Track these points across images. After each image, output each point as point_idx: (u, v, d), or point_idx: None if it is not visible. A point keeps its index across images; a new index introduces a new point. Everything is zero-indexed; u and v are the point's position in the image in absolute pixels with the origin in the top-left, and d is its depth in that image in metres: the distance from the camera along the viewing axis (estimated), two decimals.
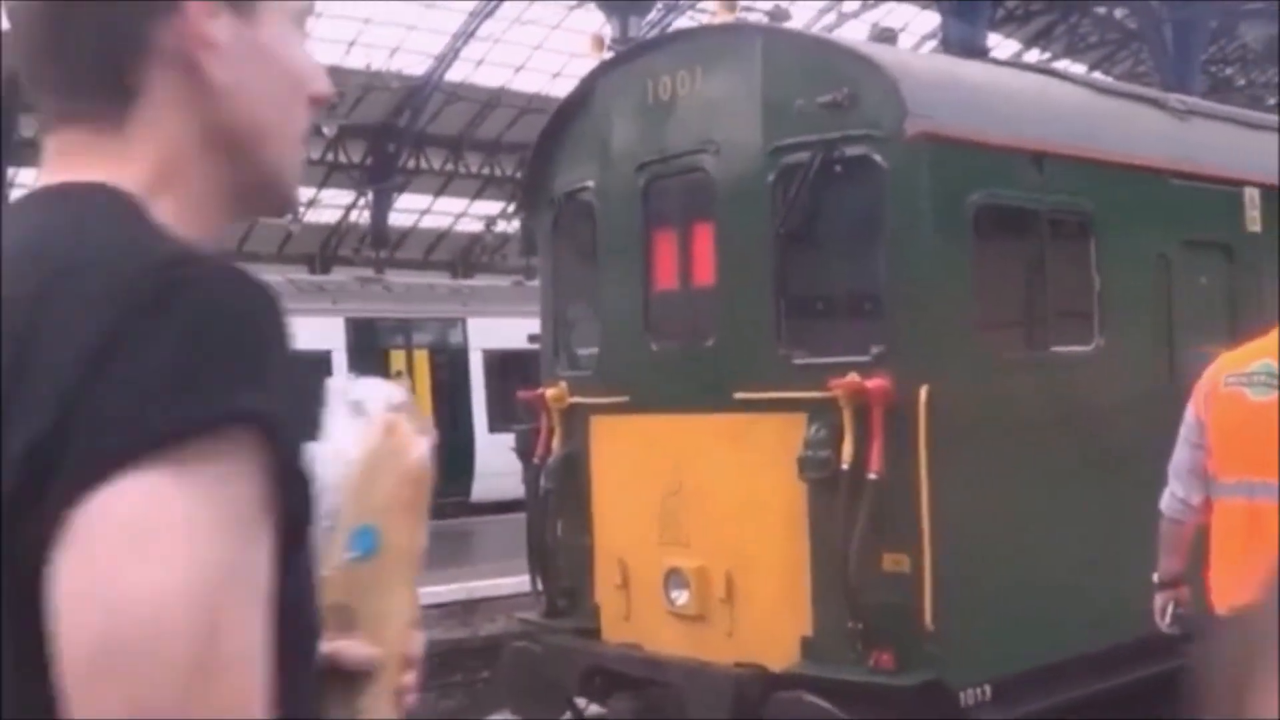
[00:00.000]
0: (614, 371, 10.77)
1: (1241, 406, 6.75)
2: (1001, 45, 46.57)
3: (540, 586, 11.18)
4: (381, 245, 51.46)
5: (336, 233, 54.07)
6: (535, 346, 12.61)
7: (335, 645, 1.98)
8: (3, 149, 39.42)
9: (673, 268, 10.62)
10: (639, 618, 10.38)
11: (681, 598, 9.94)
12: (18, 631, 1.49)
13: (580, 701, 11.03)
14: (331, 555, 2.03)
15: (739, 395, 9.64)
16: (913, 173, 9.17)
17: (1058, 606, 9.60)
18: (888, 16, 45.83)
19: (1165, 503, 7.12)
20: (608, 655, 10.46)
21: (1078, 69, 40.47)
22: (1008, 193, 9.67)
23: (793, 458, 9.18)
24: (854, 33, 37.93)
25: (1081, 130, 10.56)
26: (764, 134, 9.79)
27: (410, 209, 55.02)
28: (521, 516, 11.63)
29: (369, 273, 40.62)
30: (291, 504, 1.57)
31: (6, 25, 1.78)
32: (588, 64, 19.86)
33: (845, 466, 8.95)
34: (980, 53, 27.63)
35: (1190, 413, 7.01)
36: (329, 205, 52.52)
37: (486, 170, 54.82)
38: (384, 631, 2.10)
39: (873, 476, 8.84)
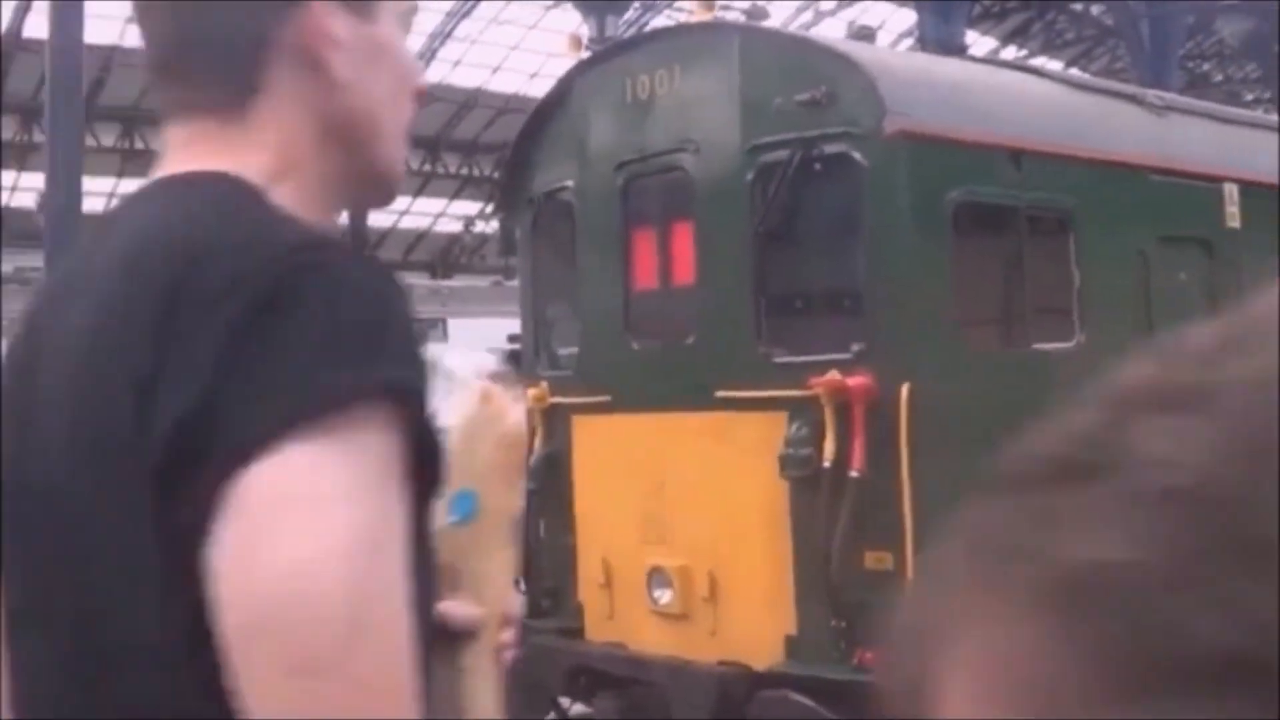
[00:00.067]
0: (595, 371, 10.76)
1: None
2: (978, 42, 46.70)
3: (523, 586, 11.17)
4: (360, 245, 51.40)
5: None
6: (515, 347, 12.59)
7: (441, 605, 2.04)
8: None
9: (652, 267, 10.62)
10: (622, 617, 10.38)
11: (665, 597, 9.93)
12: (177, 601, 1.55)
13: (564, 701, 11.03)
14: (434, 519, 2.12)
15: (720, 394, 9.63)
16: (891, 170, 9.17)
17: None
18: (864, 14, 45.99)
19: None
20: (591, 654, 10.45)
21: (1055, 65, 40.58)
22: (987, 190, 9.68)
23: (774, 456, 9.18)
24: (831, 30, 38.03)
25: (1060, 127, 10.57)
26: (742, 132, 9.79)
27: (388, 209, 54.87)
28: None
29: None
30: (425, 468, 1.64)
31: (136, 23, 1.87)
32: (565, 64, 19.87)
33: (827, 464, 8.95)
34: (957, 50, 27.68)
35: None
36: None
37: (465, 170, 54.86)
38: (485, 591, 2.21)
39: (854, 474, 8.84)
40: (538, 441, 10.96)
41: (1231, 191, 11.69)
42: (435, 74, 49.50)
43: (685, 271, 10.30)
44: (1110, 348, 9.27)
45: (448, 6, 46.39)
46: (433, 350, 2.18)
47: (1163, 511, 0.57)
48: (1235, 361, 0.61)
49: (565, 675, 10.52)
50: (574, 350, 11.20)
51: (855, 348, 9.15)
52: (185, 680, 1.58)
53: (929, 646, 0.61)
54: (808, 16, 46.34)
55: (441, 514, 2.11)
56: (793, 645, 9.32)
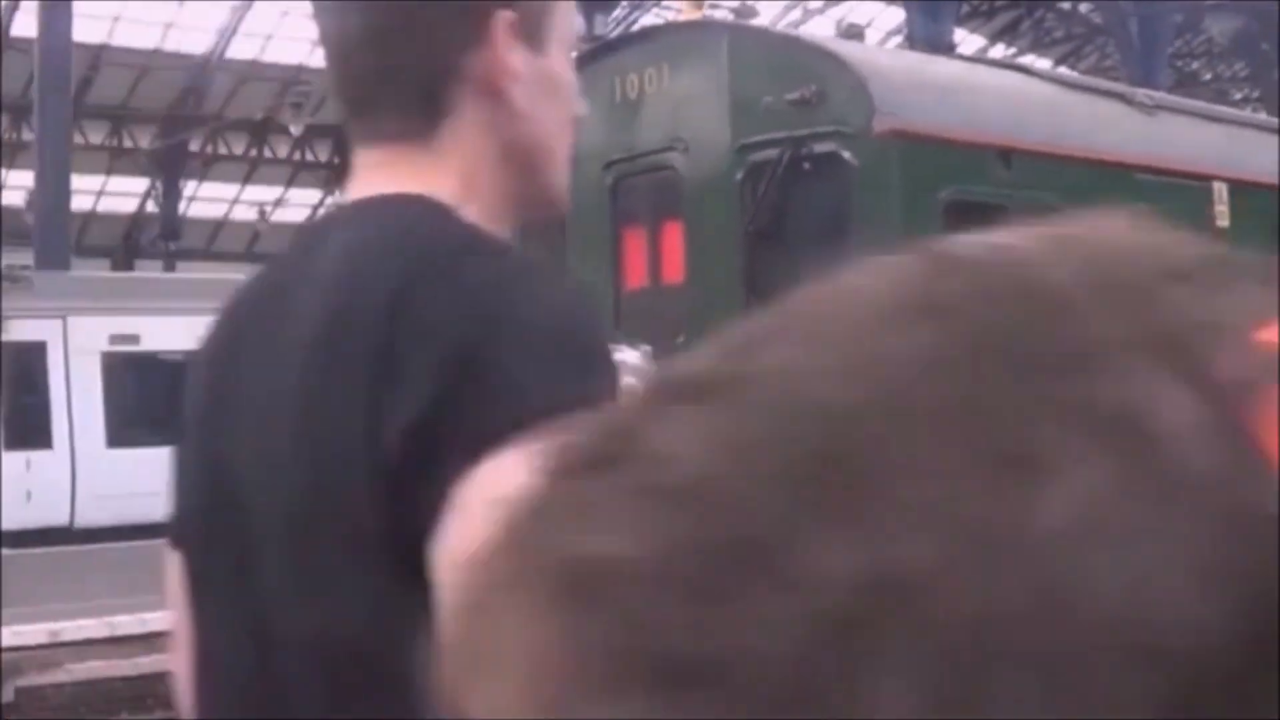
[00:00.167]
0: None
1: None
2: (967, 41, 46.70)
3: None
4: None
5: None
6: None
7: None
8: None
9: (642, 266, 10.62)
10: None
11: None
12: (407, 595, 1.62)
13: None
14: None
15: None
16: (881, 169, 9.18)
17: None
18: (853, 12, 45.98)
19: None
20: None
21: (1044, 64, 40.62)
22: (976, 189, 9.68)
23: None
24: (820, 28, 38.04)
25: (1050, 126, 10.57)
26: (732, 131, 9.79)
27: None
28: None
29: None
30: None
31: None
32: None
33: None
34: (946, 48, 27.69)
35: None
36: (296, 205, 52.44)
37: None
38: None
39: None
40: None
41: (1221, 190, 11.70)
42: None
43: (675, 270, 10.30)
44: None
45: None
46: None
47: (658, 506, 0.57)
48: (766, 352, 0.62)
49: None
50: None
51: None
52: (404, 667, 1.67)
53: (477, 644, 0.62)
54: (796, 14, 46.33)
55: None
56: None
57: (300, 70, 45.42)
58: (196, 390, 2.03)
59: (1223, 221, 11.68)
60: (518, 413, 1.60)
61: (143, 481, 22.90)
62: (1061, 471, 0.57)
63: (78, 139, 37.81)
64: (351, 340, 1.74)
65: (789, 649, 0.54)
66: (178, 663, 2.04)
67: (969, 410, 0.58)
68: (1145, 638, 0.56)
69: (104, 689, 15.05)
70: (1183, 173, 11.41)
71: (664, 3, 42.03)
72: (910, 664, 0.55)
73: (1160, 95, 13.98)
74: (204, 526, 1.93)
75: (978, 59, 18.94)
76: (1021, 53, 48.36)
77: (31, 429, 23.22)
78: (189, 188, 49.14)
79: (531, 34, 1.96)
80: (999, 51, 47.99)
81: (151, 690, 15.13)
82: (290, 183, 51.59)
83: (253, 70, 46.25)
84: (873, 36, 42.38)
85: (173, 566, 2.03)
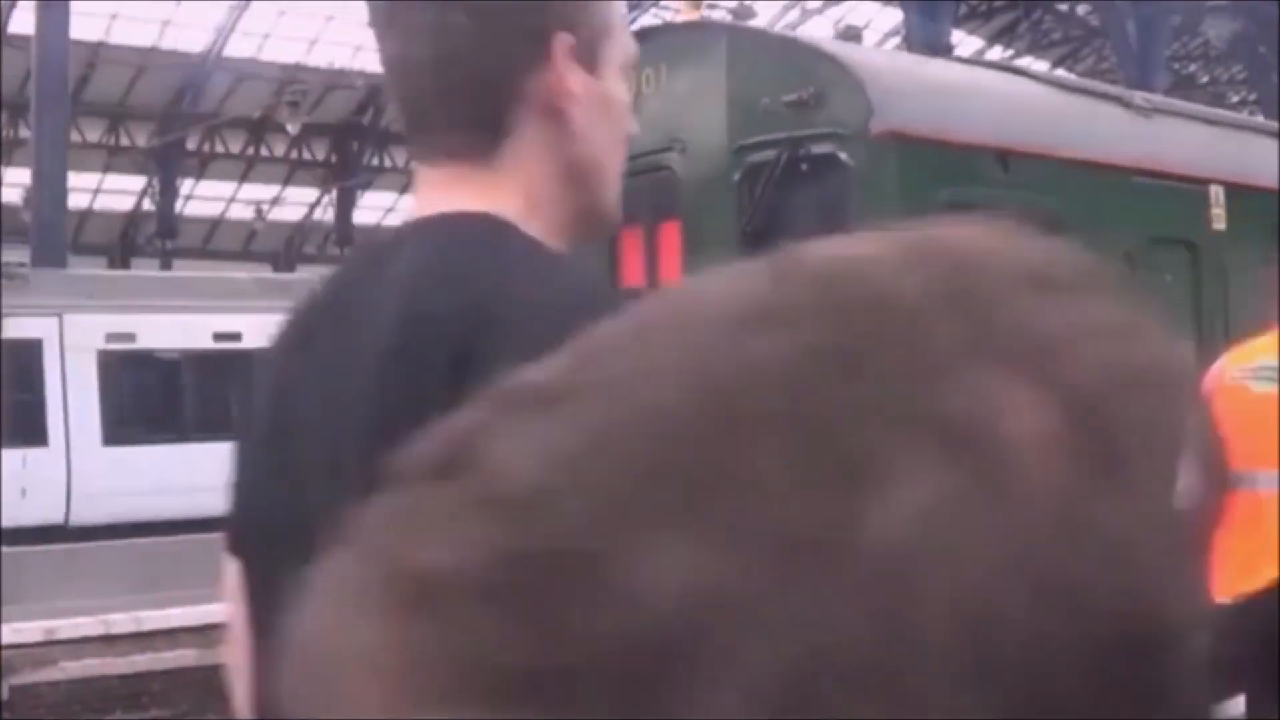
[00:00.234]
0: None
1: (1244, 398, 7.00)
2: (965, 42, 46.74)
3: None
4: (346, 243, 51.32)
5: (300, 231, 53.97)
6: None
7: None
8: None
9: (639, 266, 10.62)
10: None
11: None
12: None
13: None
14: None
15: None
16: (878, 171, 9.18)
17: None
18: (851, 13, 45.98)
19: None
20: None
21: (1041, 66, 40.63)
22: (973, 191, 9.68)
23: None
24: (818, 29, 38.03)
25: (1047, 129, 10.58)
26: (729, 132, 9.79)
27: (374, 206, 54.96)
28: None
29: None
30: None
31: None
32: None
33: None
34: (944, 50, 27.69)
35: None
36: (293, 203, 52.45)
37: None
38: None
39: None
40: None
41: (1217, 194, 11.71)
42: None
43: (671, 271, 10.30)
44: None
45: None
46: None
47: (491, 518, 0.57)
48: (609, 361, 0.62)
49: None
50: None
51: None
52: None
53: (319, 647, 0.61)
54: (794, 15, 46.33)
55: None
56: None
57: (297, 69, 45.46)
58: (263, 395, 2.07)
59: (1219, 225, 11.68)
60: None
61: (138, 479, 22.94)
62: (898, 483, 0.56)
63: (75, 137, 37.80)
64: (428, 351, 1.78)
65: (617, 663, 0.54)
66: (231, 656, 2.06)
67: (805, 421, 0.57)
68: (980, 656, 0.55)
69: (99, 687, 15.05)
70: (1179, 176, 11.42)
71: (662, 3, 42.05)
72: (742, 680, 0.54)
73: (1157, 98, 13.99)
74: (268, 532, 1.94)
75: (975, 61, 18.95)
76: (1019, 54, 48.39)
77: (27, 426, 23.19)
78: (186, 186, 49.13)
79: (588, 56, 2.04)
80: (996, 53, 48.00)
81: (146, 688, 15.13)
82: (287, 181, 51.59)
83: (250, 69, 46.22)
84: (870, 38, 42.37)
85: (230, 567, 2.05)
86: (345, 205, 52.25)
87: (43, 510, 22.54)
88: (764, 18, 39.04)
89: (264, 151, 50.35)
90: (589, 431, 0.59)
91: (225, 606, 2.08)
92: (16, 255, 25.71)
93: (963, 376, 0.58)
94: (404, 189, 55.03)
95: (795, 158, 9.44)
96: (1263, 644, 6.98)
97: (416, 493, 0.60)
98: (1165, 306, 10.88)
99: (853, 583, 0.55)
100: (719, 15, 33.74)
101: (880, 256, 0.64)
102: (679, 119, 10.12)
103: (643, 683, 0.54)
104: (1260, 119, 23.57)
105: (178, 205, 48.37)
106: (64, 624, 15.28)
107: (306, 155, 50.95)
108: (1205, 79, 54.65)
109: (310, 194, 52.84)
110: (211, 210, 51.64)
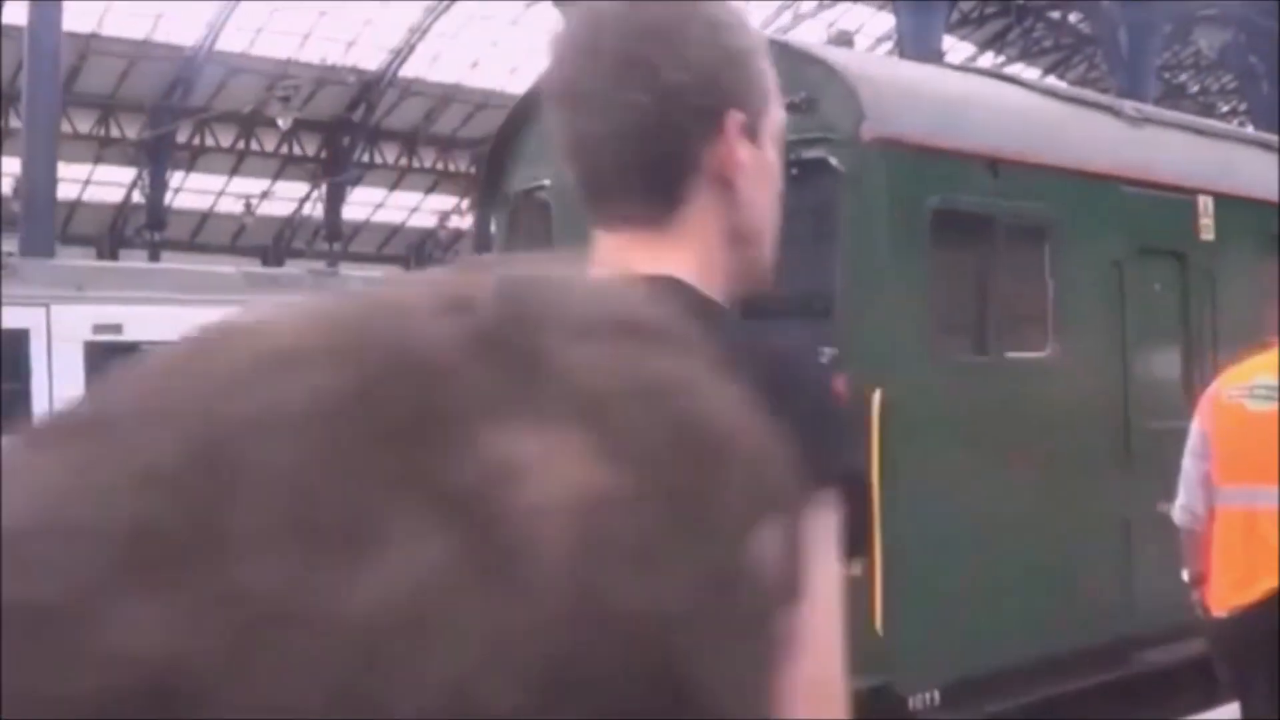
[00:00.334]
0: None
1: (1241, 416, 7.14)
2: (956, 48, 46.74)
3: None
4: (335, 239, 51.32)
5: (290, 226, 53.88)
6: None
7: None
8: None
9: None
10: None
11: None
12: None
13: None
14: None
15: None
16: (869, 177, 9.18)
17: (1009, 611, 9.62)
18: (843, 18, 45.96)
19: (1177, 515, 7.45)
20: None
21: (1032, 73, 40.64)
22: (963, 198, 9.69)
23: None
24: (810, 34, 38.03)
25: (1037, 136, 10.59)
26: None
27: (364, 202, 54.88)
28: None
29: (323, 266, 40.52)
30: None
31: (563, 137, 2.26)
32: (544, 61, 19.76)
33: None
34: (935, 56, 27.71)
35: (1195, 426, 7.38)
36: (282, 198, 52.36)
37: (441, 166, 54.71)
38: None
39: None
40: None
41: (1206, 204, 11.73)
42: (413, 68, 49.43)
43: None
44: (1082, 358, 9.25)
45: (427, 4, 46.33)
46: None
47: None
48: (124, 397, 0.57)
49: None
50: None
51: (828, 353, 9.15)
52: None
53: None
54: (786, 19, 46.36)
55: None
56: None
57: (289, 64, 45.38)
58: None
59: (1207, 235, 11.70)
60: (809, 480, 1.76)
61: None
62: (389, 552, 0.52)
63: (65, 128, 37.71)
64: None
65: None
66: None
67: (302, 478, 0.53)
68: None
69: None
70: (1168, 185, 11.44)
71: None
72: None
73: (1148, 108, 14.02)
74: None
75: (966, 67, 18.96)
76: (1010, 62, 48.40)
77: (13, 416, 23.15)
78: (176, 179, 49.04)
79: (753, 129, 2.19)
80: (988, 60, 48.02)
81: None
82: (277, 176, 51.49)
83: (242, 63, 46.15)
84: (862, 43, 42.36)
85: None
86: (335, 201, 52.17)
87: None
88: (755, 21, 39.01)
89: (254, 146, 50.23)
90: (89, 474, 0.54)
91: None
92: (5, 245, 25.66)
93: (479, 437, 0.54)
94: (394, 185, 54.98)
95: (786, 162, 9.36)
96: (1259, 653, 7.02)
97: None
98: (1153, 317, 10.90)
99: (317, 657, 0.51)
100: None
101: (419, 299, 0.59)
102: None
103: None
104: (1250, 130, 23.61)
105: (167, 198, 48.30)
106: None
107: (297, 150, 50.85)
108: (1195, 88, 54.71)
109: (300, 189, 52.74)
110: (201, 203, 51.53)
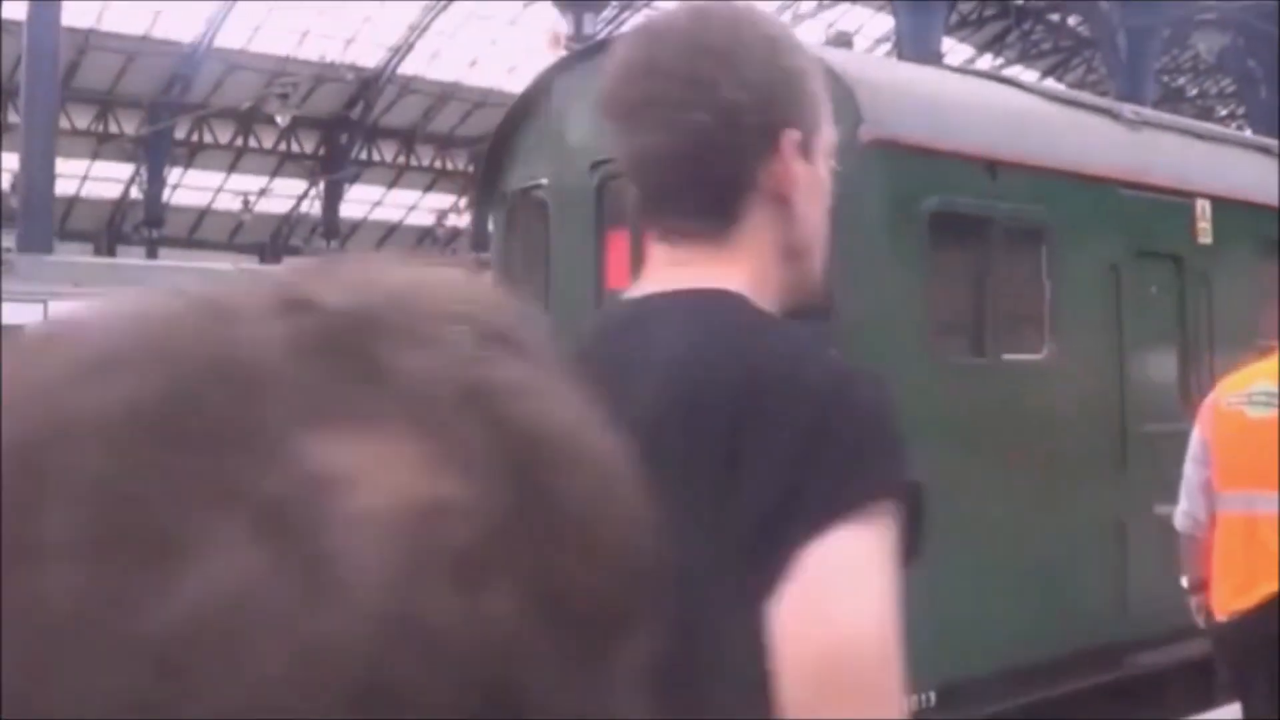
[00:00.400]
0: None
1: (1241, 423, 7.21)
2: (955, 50, 46.73)
3: None
4: (332, 236, 51.28)
5: (287, 223, 53.87)
6: None
7: None
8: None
9: (626, 268, 10.60)
10: None
11: None
12: (746, 637, 1.93)
13: None
14: None
15: None
16: (866, 179, 9.17)
17: (1005, 612, 9.62)
18: (842, 19, 45.96)
19: (1178, 521, 7.50)
20: None
21: (1030, 76, 40.65)
22: (961, 200, 9.69)
23: None
24: (809, 34, 38.01)
25: (1035, 139, 10.59)
26: None
27: (362, 200, 54.87)
28: None
29: None
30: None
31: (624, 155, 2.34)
32: (542, 59, 19.78)
33: None
34: (934, 57, 27.71)
35: (1196, 433, 7.44)
36: (280, 195, 52.34)
37: (439, 164, 54.70)
38: None
39: None
40: None
41: (1204, 207, 11.73)
42: (412, 66, 49.39)
43: None
44: (1079, 360, 9.25)
45: (426, 3, 46.32)
46: None
47: None
48: None
49: None
50: None
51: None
52: (753, 702, 1.95)
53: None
54: (785, 20, 46.36)
55: None
56: None
57: (287, 61, 45.33)
58: None
59: (1205, 239, 11.71)
60: (844, 499, 1.93)
61: None
62: (198, 563, 0.51)
63: (63, 123, 37.70)
64: (700, 427, 2.03)
65: None
66: None
67: (111, 486, 0.52)
68: None
69: None
70: (1166, 189, 11.44)
71: (654, 3, 42.01)
72: None
73: (1146, 111, 14.02)
74: None
75: (965, 70, 18.97)
76: (1009, 64, 48.40)
77: None
78: (173, 175, 49.02)
79: (806, 147, 2.25)
80: (986, 62, 48.03)
81: None
82: (275, 173, 51.47)
83: (240, 60, 46.14)
84: (861, 44, 42.36)
85: None
86: (333, 198, 52.17)
87: None
88: None
89: (253, 143, 50.24)
90: None
91: None
92: (3, 241, 25.65)
93: (301, 445, 0.53)
94: (391, 183, 54.97)
95: None
96: (1259, 657, 7.04)
97: None
98: (1149, 319, 10.89)
99: (116, 669, 0.50)
100: None
101: (250, 304, 0.58)
102: None
103: None
104: (1248, 134, 23.62)
105: (165, 194, 48.26)
106: None
107: (295, 147, 50.85)
108: (1194, 92, 54.71)
109: (298, 186, 52.74)
110: (199, 200, 51.52)
